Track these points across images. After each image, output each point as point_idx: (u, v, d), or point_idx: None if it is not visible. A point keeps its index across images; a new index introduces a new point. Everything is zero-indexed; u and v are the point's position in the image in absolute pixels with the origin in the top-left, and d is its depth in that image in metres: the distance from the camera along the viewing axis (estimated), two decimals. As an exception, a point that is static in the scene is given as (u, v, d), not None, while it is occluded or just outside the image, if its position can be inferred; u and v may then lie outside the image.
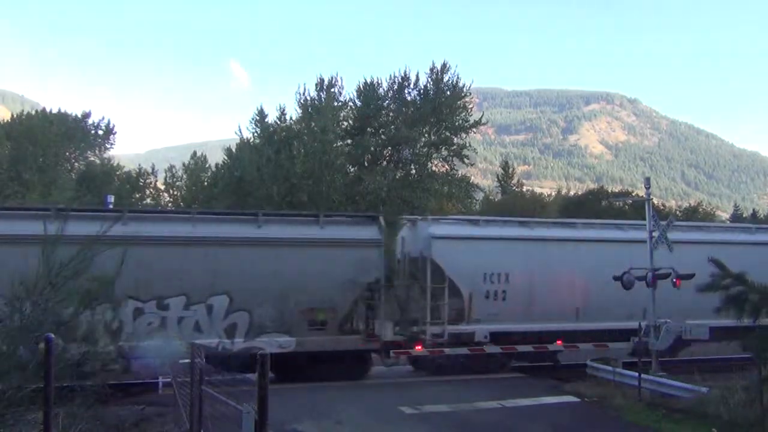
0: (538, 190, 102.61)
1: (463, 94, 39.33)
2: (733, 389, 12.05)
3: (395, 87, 39.86)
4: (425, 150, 38.97)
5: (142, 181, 49.27)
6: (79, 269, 6.87)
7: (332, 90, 39.47)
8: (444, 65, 39.34)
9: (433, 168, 39.53)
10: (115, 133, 50.30)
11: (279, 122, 39.53)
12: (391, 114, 39.99)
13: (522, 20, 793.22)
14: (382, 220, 18.50)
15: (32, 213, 15.31)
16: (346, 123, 39.47)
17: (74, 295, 7.00)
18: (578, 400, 14.84)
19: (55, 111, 49.87)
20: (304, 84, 50.51)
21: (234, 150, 40.06)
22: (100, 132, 49.54)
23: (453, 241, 18.62)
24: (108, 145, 50.32)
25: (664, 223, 18.10)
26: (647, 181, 19.32)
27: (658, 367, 16.51)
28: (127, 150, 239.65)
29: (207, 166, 50.60)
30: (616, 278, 17.41)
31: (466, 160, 39.80)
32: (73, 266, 6.70)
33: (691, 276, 15.98)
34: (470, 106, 41.30)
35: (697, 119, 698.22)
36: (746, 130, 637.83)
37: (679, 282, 16.76)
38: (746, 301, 7.16)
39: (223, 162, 40.48)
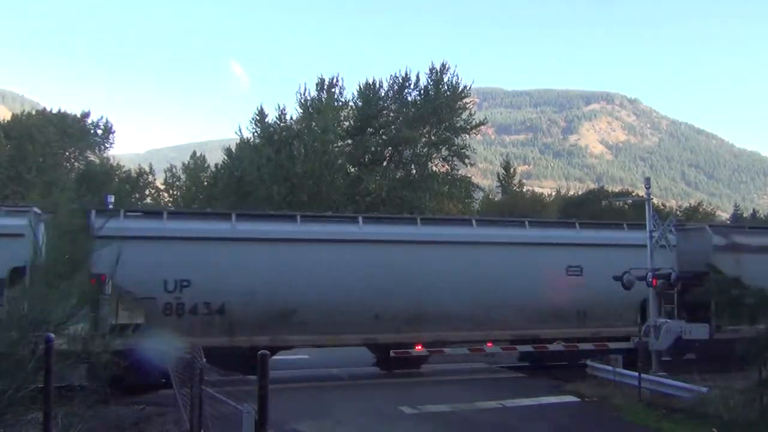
0: (538, 190, 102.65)
1: (463, 95, 39.36)
2: (733, 389, 12.04)
3: (395, 87, 39.91)
4: (425, 150, 39.00)
5: (142, 181, 49.35)
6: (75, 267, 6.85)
7: (333, 90, 39.51)
8: (443, 65, 39.41)
9: (434, 168, 39.56)
10: (114, 132, 50.48)
11: (279, 122, 39.55)
12: (391, 114, 40.02)
13: (522, 20, 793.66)
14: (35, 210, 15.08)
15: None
16: (346, 123, 39.50)
17: (72, 294, 7.00)
18: (578, 400, 14.83)
19: (55, 111, 49.95)
20: (305, 84, 50.50)
21: (234, 150, 40.09)
22: (99, 131, 49.59)
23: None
24: (107, 145, 50.43)
25: (665, 222, 18.13)
26: (647, 181, 19.33)
27: (659, 367, 16.51)
28: (127, 150, 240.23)
29: (206, 165, 50.64)
30: (616, 278, 17.37)
31: (466, 161, 39.82)
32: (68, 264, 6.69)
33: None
34: (471, 106, 41.35)
35: (697, 119, 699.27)
36: (746, 130, 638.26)
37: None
38: (743, 305, 7.16)
39: (223, 162, 40.50)
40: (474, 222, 19.15)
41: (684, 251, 20.13)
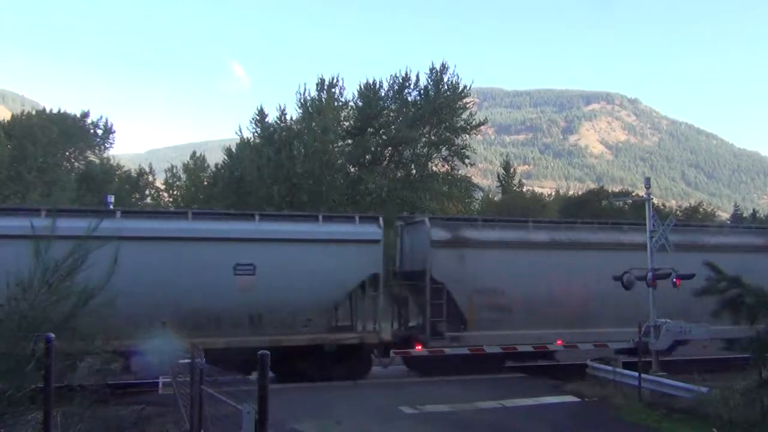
0: (538, 190, 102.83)
1: (463, 95, 39.38)
2: (733, 389, 12.03)
3: (395, 87, 39.93)
4: (425, 150, 39.02)
5: (142, 181, 49.37)
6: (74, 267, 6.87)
7: (333, 90, 39.50)
8: (443, 66, 39.42)
9: (434, 168, 39.58)
10: (114, 132, 50.49)
11: (279, 122, 39.55)
12: (391, 114, 40.03)
13: (522, 20, 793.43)
14: None
15: None
16: (346, 123, 39.51)
17: (72, 294, 7.01)
18: (578, 400, 14.84)
19: (55, 111, 49.95)
20: (305, 84, 50.49)
21: (234, 150, 40.08)
22: (99, 131, 49.61)
23: None
24: (107, 145, 50.45)
25: (665, 222, 18.06)
26: (647, 181, 19.29)
27: (658, 367, 16.50)
28: (127, 150, 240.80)
29: (206, 165, 50.66)
30: (616, 278, 17.35)
31: (466, 161, 39.83)
32: (68, 265, 6.70)
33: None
34: (471, 106, 41.38)
35: (697, 119, 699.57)
36: (746, 130, 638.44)
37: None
38: (743, 304, 7.12)
39: (223, 162, 40.50)
40: (119, 214, 16.09)
41: (409, 247, 18.96)
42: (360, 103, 39.56)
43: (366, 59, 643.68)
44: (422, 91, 39.59)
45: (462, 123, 39.65)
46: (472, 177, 46.59)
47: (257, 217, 17.11)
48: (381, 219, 18.16)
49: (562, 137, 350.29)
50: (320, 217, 18.03)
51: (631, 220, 23.17)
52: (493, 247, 18.38)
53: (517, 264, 18.22)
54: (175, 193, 50.36)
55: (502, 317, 17.97)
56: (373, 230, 17.60)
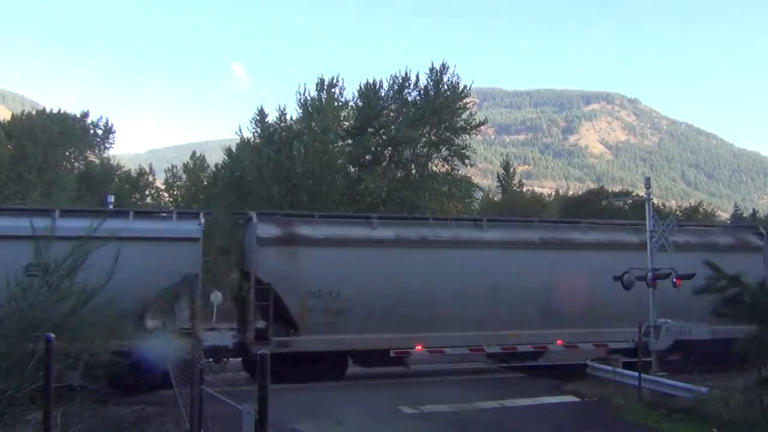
0: (538, 190, 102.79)
1: (463, 95, 39.39)
2: (733, 389, 12.04)
3: (395, 87, 39.94)
4: (425, 150, 39.04)
5: (142, 181, 49.38)
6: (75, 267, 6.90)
7: (333, 90, 39.52)
8: (443, 65, 39.43)
9: (434, 168, 39.59)
10: (114, 132, 50.49)
11: (279, 122, 39.57)
12: (391, 114, 40.04)
13: (522, 20, 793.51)
14: None
15: None
16: (346, 123, 39.53)
17: (72, 294, 7.03)
18: (578, 400, 14.85)
19: (55, 111, 49.96)
20: (305, 84, 50.49)
21: (234, 150, 40.08)
22: (99, 131, 49.62)
23: None
24: (107, 145, 50.45)
25: (665, 222, 18.04)
26: (647, 181, 19.30)
27: (658, 367, 16.50)
28: (127, 150, 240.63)
29: (206, 165, 50.67)
30: (616, 278, 17.34)
31: (466, 161, 39.84)
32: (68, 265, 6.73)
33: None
34: (471, 106, 41.39)
35: (697, 119, 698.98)
36: (746, 130, 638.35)
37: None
38: (742, 302, 7.14)
39: (223, 162, 40.51)
40: None
41: (247, 246, 17.85)
42: (360, 103, 39.58)
43: (366, 59, 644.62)
44: (422, 91, 39.59)
45: (462, 123, 39.65)
46: (472, 177, 46.58)
47: (57, 213, 15.61)
48: (202, 215, 16.99)
49: (562, 137, 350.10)
50: (131, 213, 16.79)
51: (499, 217, 22.01)
52: (331, 245, 17.12)
53: (358, 263, 16.97)
54: (175, 193, 50.34)
55: (338, 321, 16.70)
56: (191, 228, 16.31)
